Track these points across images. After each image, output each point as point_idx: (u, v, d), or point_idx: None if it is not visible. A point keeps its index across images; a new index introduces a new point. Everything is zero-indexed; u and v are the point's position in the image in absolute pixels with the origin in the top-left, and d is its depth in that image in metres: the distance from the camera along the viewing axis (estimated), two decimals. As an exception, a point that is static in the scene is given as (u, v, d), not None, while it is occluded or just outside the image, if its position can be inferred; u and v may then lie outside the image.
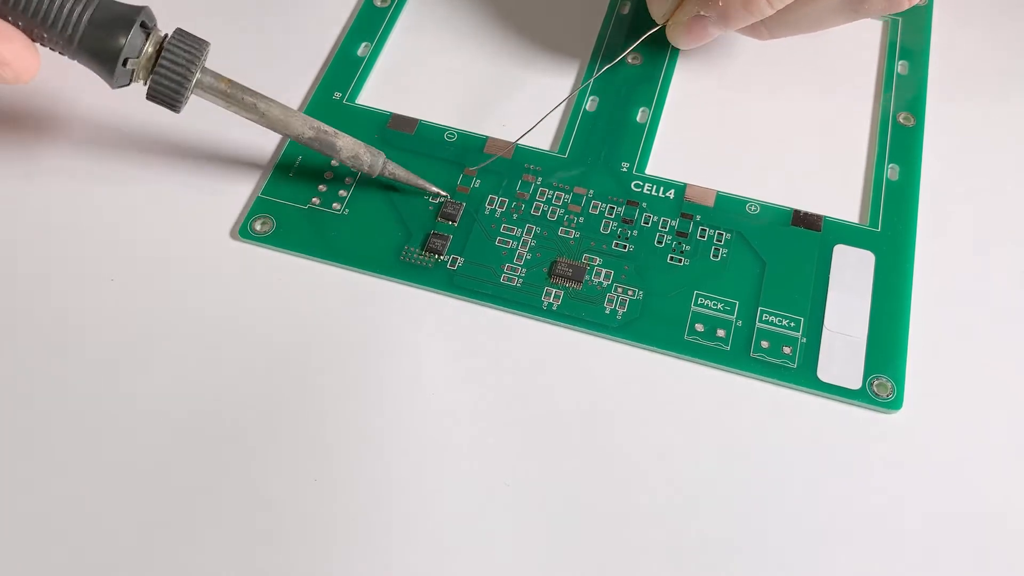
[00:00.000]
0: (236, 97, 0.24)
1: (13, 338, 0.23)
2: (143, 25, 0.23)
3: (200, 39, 0.24)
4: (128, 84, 0.23)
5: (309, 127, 0.24)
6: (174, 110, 0.24)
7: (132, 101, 0.27)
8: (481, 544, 0.21)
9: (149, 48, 0.23)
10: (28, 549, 0.20)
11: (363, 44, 0.29)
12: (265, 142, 0.27)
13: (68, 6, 0.22)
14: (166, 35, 0.23)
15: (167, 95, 0.23)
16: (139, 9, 0.23)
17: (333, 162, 0.26)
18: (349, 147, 0.25)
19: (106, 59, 0.23)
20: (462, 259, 0.24)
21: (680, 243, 0.25)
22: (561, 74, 0.29)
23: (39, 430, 0.22)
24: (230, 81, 0.24)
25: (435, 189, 0.26)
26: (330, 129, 0.25)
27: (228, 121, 0.27)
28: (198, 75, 0.23)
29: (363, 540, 0.21)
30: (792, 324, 0.23)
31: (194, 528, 0.21)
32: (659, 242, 0.25)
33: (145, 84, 0.23)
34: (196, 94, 0.24)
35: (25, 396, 0.22)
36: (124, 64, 0.23)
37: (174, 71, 0.23)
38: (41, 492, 0.21)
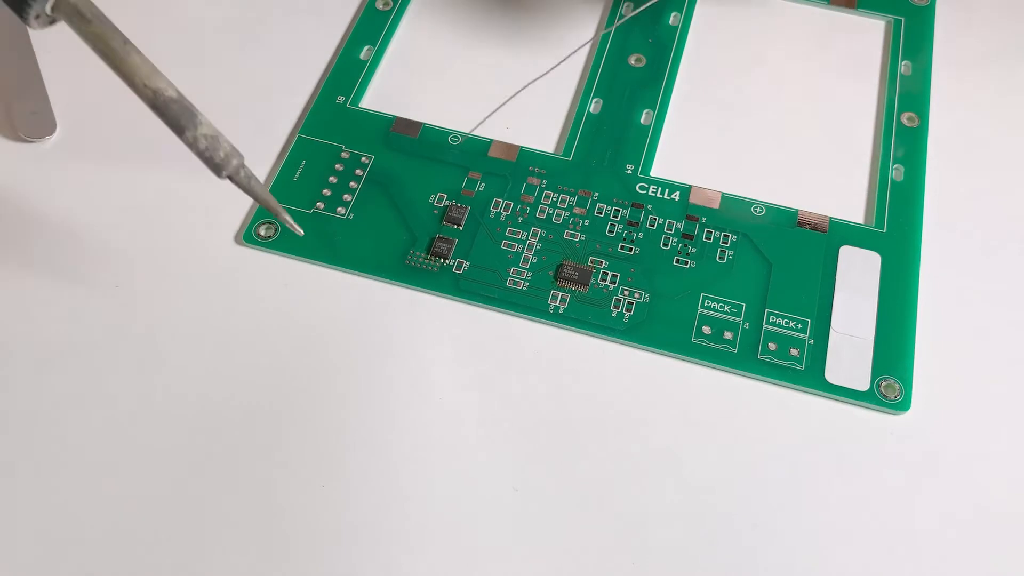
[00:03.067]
0: (96, 29, 0.20)
1: (18, 345, 0.23)
2: None
3: None
4: None
5: (171, 91, 0.20)
6: (22, 18, 0.20)
7: (136, 104, 0.27)
8: (490, 549, 0.21)
9: None
10: (34, 555, 0.20)
11: (366, 47, 0.29)
12: (268, 147, 0.27)
13: None
14: None
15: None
16: None
17: (187, 135, 0.21)
18: (211, 126, 0.21)
19: None
20: (467, 263, 0.24)
21: (686, 245, 0.25)
22: (565, 75, 0.29)
23: (44, 437, 0.22)
24: (99, 12, 0.20)
25: (290, 222, 0.22)
26: (191, 107, 0.21)
27: (230, 127, 0.27)
28: None
29: (372, 546, 0.21)
30: (799, 326, 0.23)
31: (201, 535, 0.21)
32: (665, 244, 0.25)
33: None
34: (58, 16, 0.20)
35: (30, 403, 0.22)
36: None
37: None
38: (47, 499, 0.21)
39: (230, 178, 0.21)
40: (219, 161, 0.21)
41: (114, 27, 0.20)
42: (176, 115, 0.21)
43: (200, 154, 0.21)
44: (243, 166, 0.21)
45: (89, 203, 0.26)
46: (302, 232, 0.22)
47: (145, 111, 0.26)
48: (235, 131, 0.27)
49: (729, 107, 0.28)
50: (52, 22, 0.20)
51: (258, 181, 0.21)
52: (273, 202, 0.22)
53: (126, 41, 0.20)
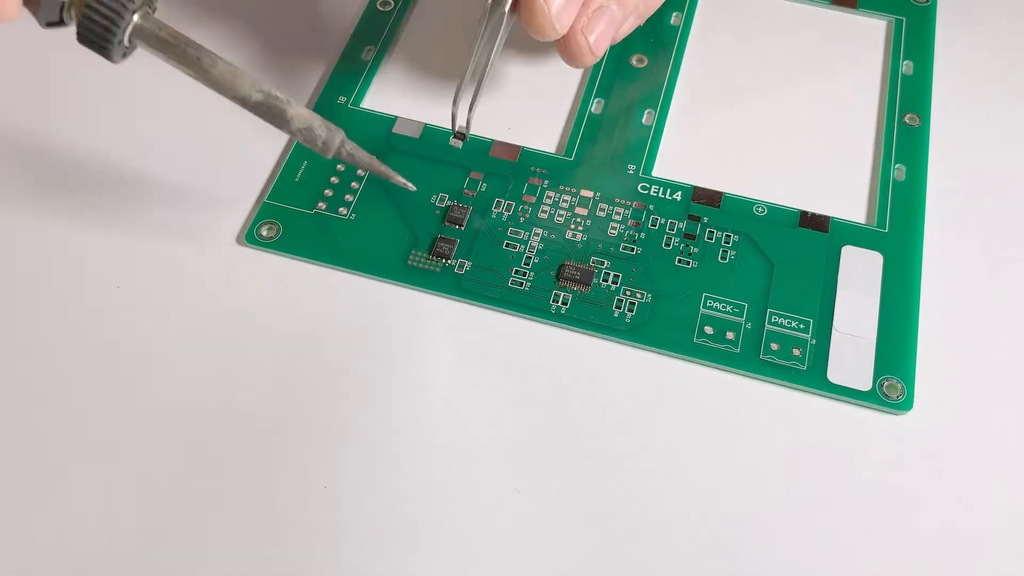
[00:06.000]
0: (177, 48, 0.21)
1: (20, 346, 0.23)
2: None
3: None
4: (60, 22, 0.21)
5: (257, 90, 0.22)
6: (107, 56, 0.21)
7: (137, 108, 0.27)
8: (492, 550, 0.21)
9: None
10: (34, 555, 0.20)
11: (367, 48, 0.29)
12: (269, 148, 0.27)
13: None
14: None
15: (97, 38, 0.21)
16: None
17: (285, 130, 0.22)
18: (303, 118, 0.22)
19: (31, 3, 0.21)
20: (469, 263, 0.24)
21: (688, 245, 0.25)
22: (565, 76, 0.29)
23: (45, 437, 0.22)
24: (173, 31, 0.21)
25: (401, 180, 0.23)
26: (283, 96, 0.22)
27: (231, 127, 0.27)
28: (136, 19, 0.21)
29: (374, 547, 0.21)
30: (801, 326, 0.23)
31: (203, 536, 0.21)
32: (667, 244, 0.25)
33: (75, 23, 0.21)
34: (137, 44, 0.21)
35: (31, 403, 0.22)
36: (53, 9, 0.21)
37: (105, 11, 0.20)
38: (47, 499, 0.21)
39: (337, 156, 0.22)
40: (320, 147, 0.22)
41: (191, 42, 0.21)
42: (266, 116, 0.22)
43: (303, 143, 0.22)
44: (345, 141, 0.22)
45: (90, 204, 0.26)
46: (414, 188, 0.23)
47: (153, 113, 0.26)
48: (237, 132, 0.27)
49: (730, 107, 0.28)
50: (131, 51, 0.21)
51: (362, 151, 0.22)
52: (383, 167, 0.23)
53: (207, 54, 0.22)
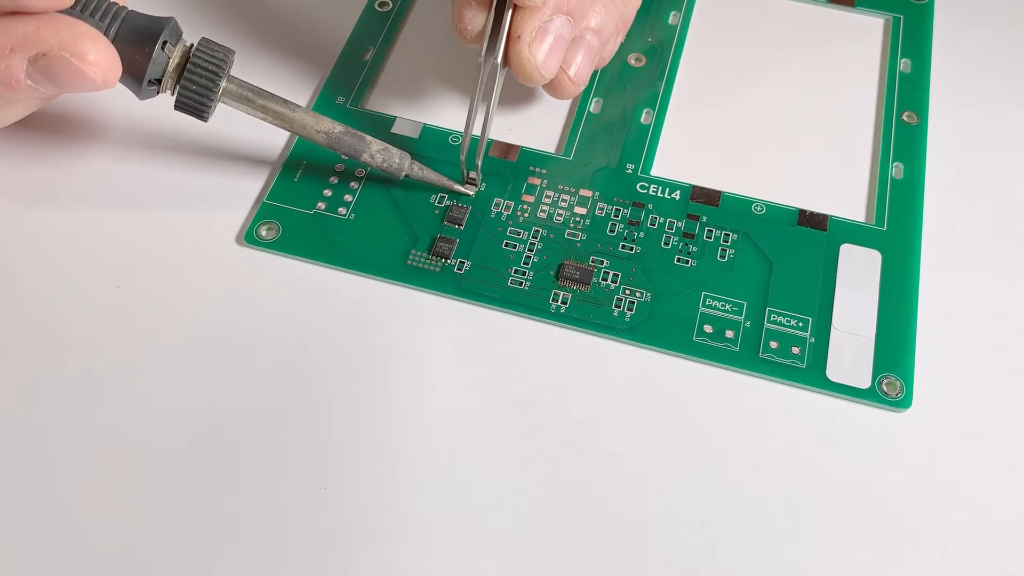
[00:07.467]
0: (261, 103, 0.24)
1: (19, 346, 0.23)
2: (168, 40, 0.23)
3: (225, 47, 0.23)
4: (156, 95, 0.23)
5: (337, 127, 0.24)
6: (201, 119, 0.24)
7: (135, 107, 0.27)
8: (492, 550, 0.21)
9: (175, 59, 0.23)
10: (34, 555, 0.20)
11: (366, 48, 0.29)
12: (269, 148, 0.27)
13: (94, 22, 0.22)
14: (192, 45, 0.23)
15: (194, 105, 0.23)
16: (163, 25, 0.23)
17: (364, 156, 0.25)
18: (379, 142, 0.25)
19: (130, 77, 0.23)
20: (469, 263, 0.24)
21: (687, 244, 0.25)
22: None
23: (44, 437, 0.22)
24: (255, 88, 0.24)
25: (460, 188, 0.25)
26: (356, 131, 0.25)
27: (230, 128, 0.27)
28: (224, 83, 0.23)
29: (373, 547, 0.21)
30: (800, 324, 0.23)
31: (203, 536, 0.21)
32: (666, 243, 0.25)
33: (172, 94, 0.23)
34: (223, 102, 0.24)
35: (30, 403, 0.22)
36: (149, 83, 0.23)
37: (200, 82, 0.23)
38: (47, 499, 0.21)
39: (407, 176, 0.25)
40: (395, 168, 0.25)
41: (271, 95, 0.24)
42: (350, 144, 0.24)
43: (378, 167, 0.25)
44: (413, 162, 0.25)
45: (89, 204, 0.26)
46: (472, 193, 0.26)
47: (151, 112, 0.26)
48: (237, 132, 0.27)
49: (729, 106, 0.28)
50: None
51: (429, 169, 0.25)
52: (446, 181, 0.25)
53: (286, 102, 0.24)
